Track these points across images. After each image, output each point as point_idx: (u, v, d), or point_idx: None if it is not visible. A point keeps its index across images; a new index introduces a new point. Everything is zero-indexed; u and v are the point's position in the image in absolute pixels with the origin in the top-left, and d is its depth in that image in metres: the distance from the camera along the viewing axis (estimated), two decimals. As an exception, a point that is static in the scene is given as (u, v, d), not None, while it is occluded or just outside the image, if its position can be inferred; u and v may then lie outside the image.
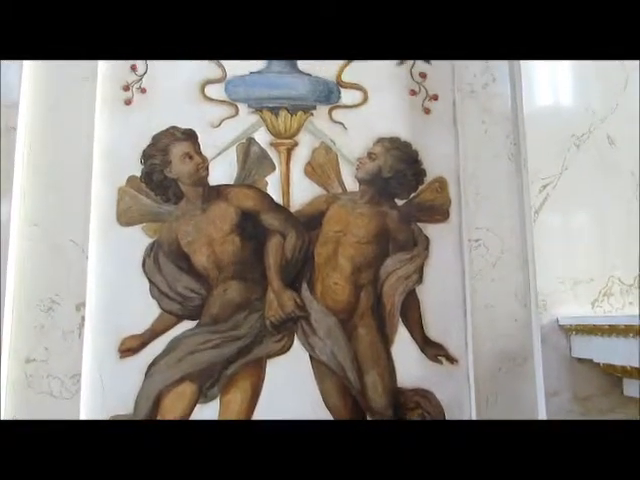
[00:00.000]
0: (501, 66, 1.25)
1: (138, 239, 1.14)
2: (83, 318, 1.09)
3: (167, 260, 1.14)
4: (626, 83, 1.23)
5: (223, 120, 1.20)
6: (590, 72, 1.23)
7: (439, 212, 1.21)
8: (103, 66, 1.19)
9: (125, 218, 1.15)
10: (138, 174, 1.16)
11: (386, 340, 1.16)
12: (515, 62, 1.22)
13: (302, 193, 1.19)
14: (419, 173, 1.21)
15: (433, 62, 1.26)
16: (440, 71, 1.26)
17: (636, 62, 1.22)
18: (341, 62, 1.23)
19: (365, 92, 1.24)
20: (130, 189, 1.17)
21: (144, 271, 1.13)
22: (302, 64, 1.23)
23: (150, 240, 1.15)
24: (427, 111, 1.25)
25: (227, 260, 1.14)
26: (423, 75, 1.26)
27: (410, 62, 1.26)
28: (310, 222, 1.17)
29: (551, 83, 1.24)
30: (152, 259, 1.14)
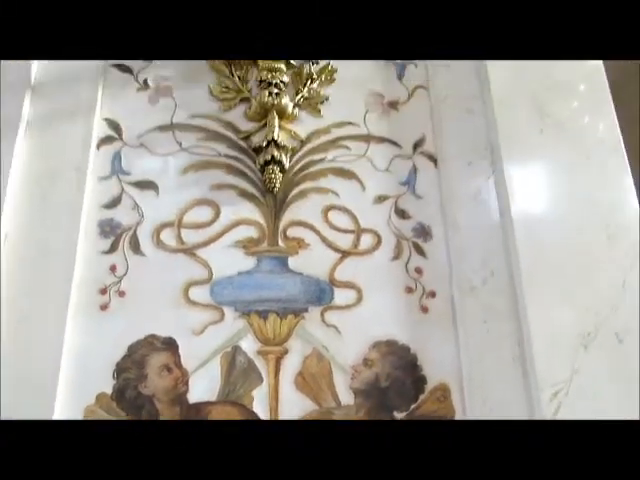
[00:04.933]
0: (499, 260, 1.18)
1: None
2: None
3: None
4: (624, 283, 1.18)
5: (207, 326, 1.09)
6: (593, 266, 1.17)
7: (443, 425, 1.10)
8: (80, 267, 1.10)
9: (90, 445, 1.01)
10: (109, 391, 1.03)
11: None
12: (514, 257, 1.16)
13: (292, 409, 1.06)
14: (419, 380, 1.11)
15: (429, 256, 1.20)
16: (437, 266, 1.20)
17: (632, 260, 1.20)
18: (334, 258, 1.17)
19: (359, 291, 1.16)
20: (99, 409, 1.02)
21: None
22: (293, 262, 1.15)
23: None
24: (425, 310, 1.17)
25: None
26: (419, 270, 1.19)
27: (405, 256, 1.19)
28: (301, 443, 1.05)
29: (556, 284, 1.16)
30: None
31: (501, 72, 1.31)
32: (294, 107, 1.26)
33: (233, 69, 1.29)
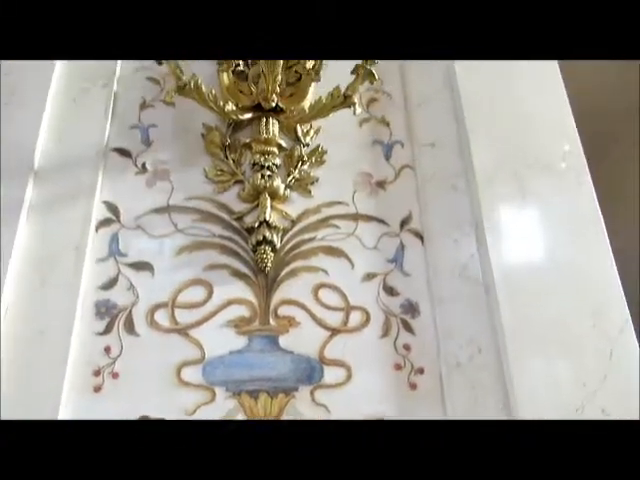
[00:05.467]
0: (485, 336, 1.20)
1: None
2: None
3: None
4: (611, 356, 1.20)
5: (199, 407, 1.10)
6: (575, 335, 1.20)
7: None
8: (75, 348, 1.12)
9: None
10: (100, 475, 1.04)
11: None
12: (500, 333, 1.18)
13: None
14: (408, 458, 1.13)
15: (417, 333, 1.21)
16: (425, 342, 1.21)
17: (618, 334, 1.23)
18: (324, 336, 1.19)
19: (349, 369, 1.17)
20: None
21: None
22: (284, 341, 1.17)
23: None
24: (413, 386, 1.18)
25: None
26: (407, 347, 1.21)
27: (394, 333, 1.21)
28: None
29: (543, 360, 1.19)
30: None
31: (484, 151, 1.38)
32: (285, 188, 1.32)
33: (228, 152, 1.36)
